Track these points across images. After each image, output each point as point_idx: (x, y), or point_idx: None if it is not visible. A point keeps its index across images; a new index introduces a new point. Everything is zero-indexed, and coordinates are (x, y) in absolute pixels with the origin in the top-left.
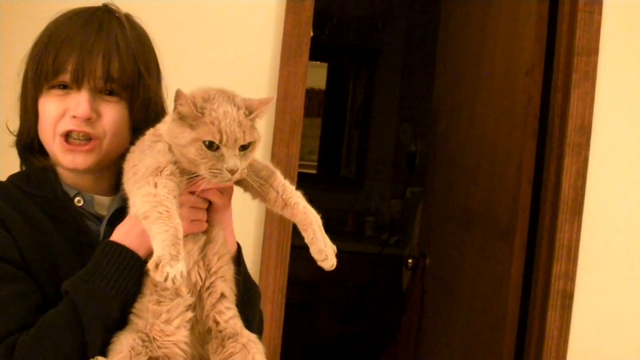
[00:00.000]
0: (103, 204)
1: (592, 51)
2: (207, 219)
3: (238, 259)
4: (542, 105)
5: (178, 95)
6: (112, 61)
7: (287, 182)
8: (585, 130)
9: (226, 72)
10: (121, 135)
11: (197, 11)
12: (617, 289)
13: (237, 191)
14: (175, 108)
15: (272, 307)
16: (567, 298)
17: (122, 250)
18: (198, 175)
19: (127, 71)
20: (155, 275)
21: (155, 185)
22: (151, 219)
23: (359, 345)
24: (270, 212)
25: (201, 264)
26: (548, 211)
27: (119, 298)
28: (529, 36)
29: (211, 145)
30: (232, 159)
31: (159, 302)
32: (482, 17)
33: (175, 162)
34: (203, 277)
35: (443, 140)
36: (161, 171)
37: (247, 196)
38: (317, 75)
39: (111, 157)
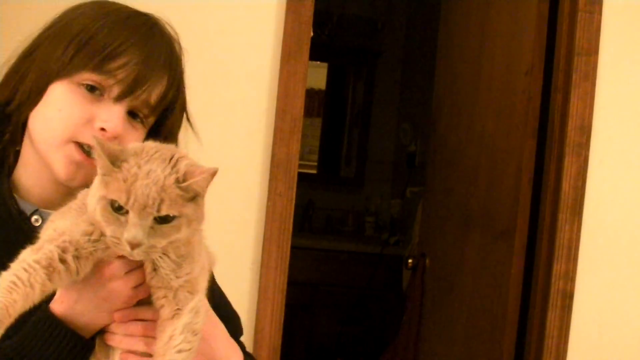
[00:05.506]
0: None
1: (592, 51)
2: None
3: None
4: (542, 105)
5: (95, 144)
6: (168, 87)
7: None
8: (585, 130)
9: (226, 72)
10: None
11: (197, 11)
12: (617, 289)
13: (237, 189)
14: None
15: (272, 307)
16: (567, 298)
17: (60, 331)
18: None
19: (168, 99)
20: None
21: (38, 251)
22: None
23: (359, 345)
24: (271, 213)
25: None
26: (548, 211)
27: None
28: (529, 36)
29: (119, 208)
30: (133, 229)
31: None
32: (482, 17)
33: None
34: None
35: (443, 140)
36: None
37: (246, 196)
38: (317, 75)
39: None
